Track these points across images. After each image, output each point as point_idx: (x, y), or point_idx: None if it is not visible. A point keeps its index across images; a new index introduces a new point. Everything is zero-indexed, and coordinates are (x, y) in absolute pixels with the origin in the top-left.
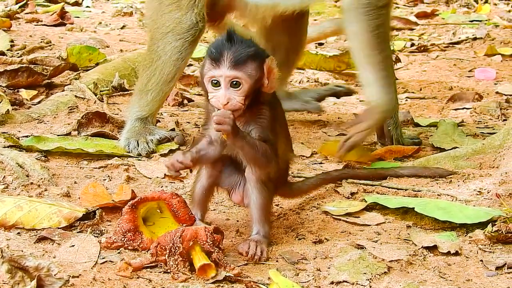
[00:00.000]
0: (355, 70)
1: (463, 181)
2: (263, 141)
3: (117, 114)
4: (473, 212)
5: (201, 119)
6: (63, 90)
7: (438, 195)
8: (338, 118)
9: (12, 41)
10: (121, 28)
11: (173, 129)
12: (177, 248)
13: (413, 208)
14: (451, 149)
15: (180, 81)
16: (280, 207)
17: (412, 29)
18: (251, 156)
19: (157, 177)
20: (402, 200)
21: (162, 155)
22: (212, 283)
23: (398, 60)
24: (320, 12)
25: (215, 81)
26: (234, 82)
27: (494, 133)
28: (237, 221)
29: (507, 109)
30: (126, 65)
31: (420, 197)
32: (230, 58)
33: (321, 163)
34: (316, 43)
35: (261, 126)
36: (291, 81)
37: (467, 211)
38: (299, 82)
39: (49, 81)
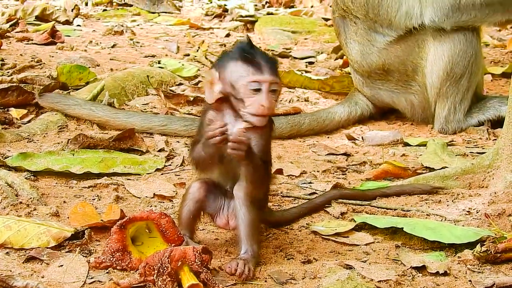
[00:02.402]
0: (341, 91)
1: (452, 201)
2: (263, 159)
3: (106, 133)
4: (462, 232)
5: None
6: (53, 109)
7: (427, 215)
8: (328, 137)
9: (2, 60)
10: (112, 47)
11: (162, 149)
12: (165, 268)
13: (402, 228)
14: (441, 168)
15: (170, 100)
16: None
17: None
18: (252, 175)
19: (146, 196)
20: (391, 220)
21: (149, 174)
22: None
23: None
24: (310, 31)
25: (255, 86)
26: (273, 88)
27: (484, 152)
28: (226, 241)
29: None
30: (116, 84)
31: (409, 217)
32: (269, 63)
33: (310, 182)
34: (306, 62)
35: (264, 141)
36: (281, 100)
37: (456, 231)
38: (289, 101)
39: None
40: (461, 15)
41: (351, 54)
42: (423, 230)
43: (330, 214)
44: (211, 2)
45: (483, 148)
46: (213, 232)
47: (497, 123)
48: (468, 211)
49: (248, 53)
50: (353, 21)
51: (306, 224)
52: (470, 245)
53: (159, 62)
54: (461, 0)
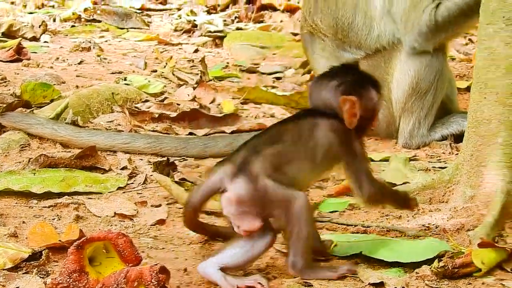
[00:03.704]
0: (307, 106)
1: (413, 216)
2: None
3: (69, 151)
4: (421, 248)
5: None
6: (15, 128)
7: (387, 230)
8: None
9: None
10: (79, 63)
11: (125, 167)
12: None
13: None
14: (402, 184)
15: (135, 118)
16: None
17: None
18: None
19: (107, 215)
20: (350, 244)
21: (111, 192)
22: None
23: None
24: (279, 47)
25: None
26: None
27: (445, 167)
28: (186, 259)
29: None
30: (81, 101)
31: (369, 233)
32: None
33: None
34: (274, 77)
35: None
36: (246, 116)
37: (415, 248)
38: (255, 117)
39: None
40: (440, 34)
41: (318, 69)
42: (382, 252)
43: None
44: (180, 18)
45: (446, 163)
46: (173, 251)
47: (460, 137)
48: (428, 227)
49: (373, 80)
50: (321, 38)
51: None
52: (429, 261)
53: (125, 79)
54: (437, 20)
